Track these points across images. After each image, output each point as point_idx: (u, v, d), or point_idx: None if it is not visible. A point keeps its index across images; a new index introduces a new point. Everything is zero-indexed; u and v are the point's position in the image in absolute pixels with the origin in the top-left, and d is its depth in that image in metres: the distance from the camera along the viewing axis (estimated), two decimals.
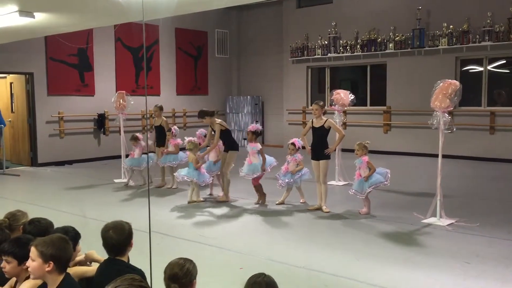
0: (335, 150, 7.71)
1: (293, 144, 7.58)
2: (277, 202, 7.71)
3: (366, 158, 6.96)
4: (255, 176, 7.64)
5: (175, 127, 9.48)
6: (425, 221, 6.54)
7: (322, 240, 5.94)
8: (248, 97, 16.16)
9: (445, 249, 5.47)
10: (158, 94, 14.47)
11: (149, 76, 14.44)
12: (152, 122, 9.33)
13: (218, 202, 7.90)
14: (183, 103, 15.38)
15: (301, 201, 7.77)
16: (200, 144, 8.35)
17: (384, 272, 4.78)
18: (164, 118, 9.33)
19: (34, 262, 2.71)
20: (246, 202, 7.87)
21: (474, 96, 12.16)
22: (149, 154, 9.55)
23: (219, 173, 8.23)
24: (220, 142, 8.20)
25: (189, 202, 7.90)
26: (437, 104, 6.38)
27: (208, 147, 8.28)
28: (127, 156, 9.69)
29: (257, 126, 7.76)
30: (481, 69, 12.25)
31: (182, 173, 7.89)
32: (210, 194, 8.42)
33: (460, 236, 5.95)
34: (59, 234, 2.94)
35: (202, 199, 8.05)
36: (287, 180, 7.51)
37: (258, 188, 7.83)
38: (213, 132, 8.09)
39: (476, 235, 5.94)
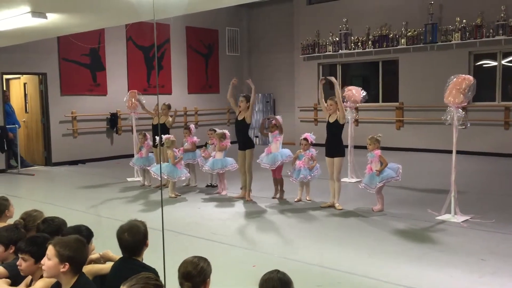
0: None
1: (305, 139, 7.55)
2: (295, 200, 7.70)
3: (378, 152, 6.90)
4: (276, 165, 7.67)
5: (193, 125, 9.51)
6: (440, 217, 6.48)
7: (335, 237, 5.91)
8: (260, 94, 16.11)
9: (460, 246, 5.42)
10: (169, 93, 14.51)
11: (160, 75, 14.49)
12: (157, 121, 9.21)
13: (236, 199, 7.98)
14: (195, 101, 15.41)
15: (307, 198, 7.75)
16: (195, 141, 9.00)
17: (398, 269, 4.74)
18: (170, 118, 9.19)
19: (50, 261, 2.73)
20: (259, 200, 7.87)
21: (488, 91, 12.00)
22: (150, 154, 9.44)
23: (222, 171, 8.30)
24: (228, 141, 8.37)
25: (170, 197, 8.19)
26: (450, 100, 6.30)
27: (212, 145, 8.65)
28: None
29: (280, 120, 7.95)
30: (495, 63, 12.10)
31: (153, 169, 8.35)
32: (218, 193, 8.46)
33: (475, 232, 5.88)
34: (77, 236, 2.96)
35: (174, 195, 8.22)
36: (301, 176, 7.48)
37: (279, 182, 7.84)
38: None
39: (492, 232, 5.87)
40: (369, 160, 7.01)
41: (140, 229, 3.13)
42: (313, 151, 7.56)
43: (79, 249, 2.78)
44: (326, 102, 7.23)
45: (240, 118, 7.84)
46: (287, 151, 7.81)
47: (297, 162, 7.57)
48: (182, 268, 2.66)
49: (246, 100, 7.79)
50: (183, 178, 8.42)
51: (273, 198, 7.94)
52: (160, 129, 8.93)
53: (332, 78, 7.23)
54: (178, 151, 8.49)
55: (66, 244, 2.76)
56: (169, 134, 8.79)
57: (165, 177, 8.24)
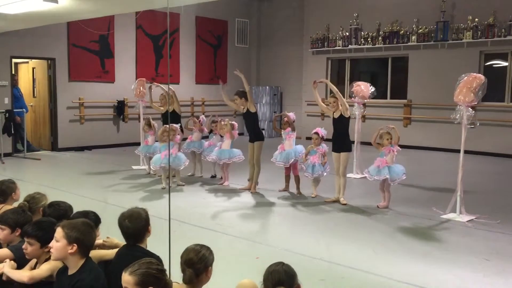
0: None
1: (316, 133, 7.48)
2: (312, 195, 7.59)
3: (396, 146, 6.89)
4: (290, 163, 7.62)
5: (203, 116, 9.47)
6: (445, 216, 6.46)
7: (339, 232, 5.91)
8: (267, 87, 16.10)
9: (464, 245, 5.40)
10: (177, 82, 14.50)
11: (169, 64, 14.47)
12: (163, 109, 9.16)
13: (241, 190, 7.97)
14: (202, 92, 15.40)
15: (312, 195, 7.70)
16: (203, 130, 9.10)
17: (402, 266, 4.73)
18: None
19: (58, 242, 2.76)
20: (265, 192, 7.86)
21: (497, 91, 11.91)
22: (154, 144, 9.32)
23: (228, 162, 8.27)
24: (235, 132, 8.37)
25: (178, 185, 8.30)
26: (460, 98, 6.26)
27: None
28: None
29: (293, 117, 7.86)
30: (505, 64, 12.00)
31: (157, 162, 8.20)
32: (222, 184, 8.45)
33: (480, 232, 5.86)
34: (86, 220, 2.99)
35: (179, 183, 8.32)
36: (319, 172, 7.41)
37: (295, 179, 7.78)
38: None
39: (497, 232, 5.85)
40: (388, 150, 6.88)
41: (141, 216, 3.11)
42: (325, 146, 7.48)
43: (87, 232, 2.81)
44: (324, 103, 7.18)
45: (244, 110, 7.86)
46: (300, 148, 7.72)
47: (310, 157, 7.46)
48: (184, 255, 2.70)
49: (239, 96, 7.81)
50: (182, 166, 8.20)
51: (280, 191, 7.92)
52: (171, 117, 8.86)
53: (322, 79, 7.34)
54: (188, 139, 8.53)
55: (74, 226, 2.79)
56: (180, 122, 8.78)
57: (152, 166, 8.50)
